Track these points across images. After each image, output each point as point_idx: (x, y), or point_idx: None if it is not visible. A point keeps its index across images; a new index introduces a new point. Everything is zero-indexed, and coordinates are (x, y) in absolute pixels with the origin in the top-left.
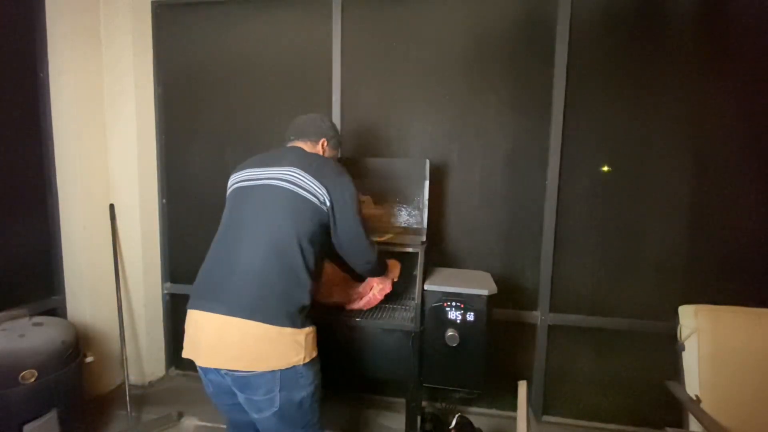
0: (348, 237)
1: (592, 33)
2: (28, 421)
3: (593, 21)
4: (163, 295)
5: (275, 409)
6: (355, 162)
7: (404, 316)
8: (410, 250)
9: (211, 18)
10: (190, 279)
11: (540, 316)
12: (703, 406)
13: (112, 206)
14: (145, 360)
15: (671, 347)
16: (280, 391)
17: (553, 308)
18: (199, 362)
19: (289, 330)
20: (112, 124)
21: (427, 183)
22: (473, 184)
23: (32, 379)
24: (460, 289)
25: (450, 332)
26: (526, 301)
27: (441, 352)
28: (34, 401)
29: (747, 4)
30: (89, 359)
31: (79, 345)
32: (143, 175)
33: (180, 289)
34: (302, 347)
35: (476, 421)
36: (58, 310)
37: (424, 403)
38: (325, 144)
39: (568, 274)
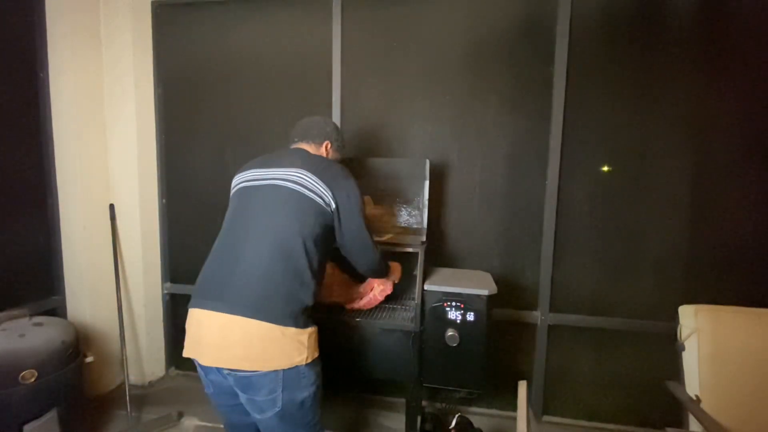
0: (352, 239)
1: (592, 33)
2: (28, 421)
3: (593, 21)
4: (163, 295)
5: (277, 410)
6: (356, 162)
7: (404, 316)
8: (410, 250)
9: (211, 18)
10: (190, 279)
11: (540, 316)
12: (703, 406)
13: (112, 206)
14: (145, 360)
15: (671, 347)
16: (282, 391)
17: (553, 308)
18: (202, 361)
19: (292, 330)
20: (112, 124)
21: (427, 183)
22: (473, 184)
23: (32, 379)
24: (460, 289)
25: (450, 332)
26: (526, 301)
27: (441, 352)
28: (34, 401)
29: (747, 3)
30: (89, 359)
31: (79, 345)
32: (143, 175)
33: (180, 289)
34: (305, 347)
35: (476, 421)
36: (58, 310)
37: (424, 403)
38: (329, 146)
39: (568, 274)
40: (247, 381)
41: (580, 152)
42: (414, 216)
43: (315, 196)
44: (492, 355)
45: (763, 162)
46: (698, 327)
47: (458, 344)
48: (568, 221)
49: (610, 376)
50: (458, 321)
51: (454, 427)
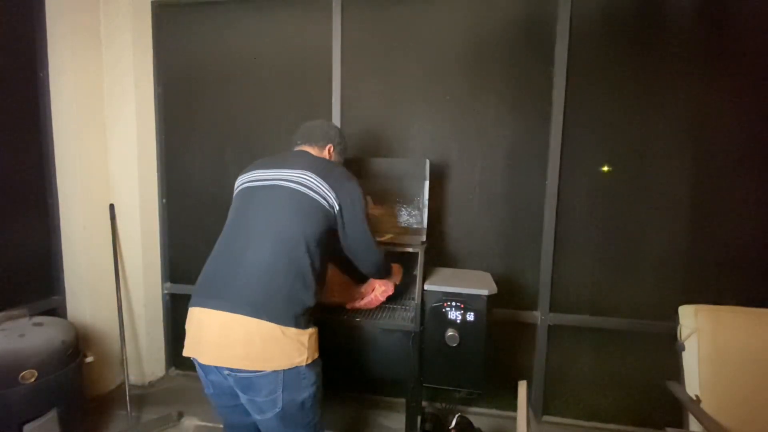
0: (356, 240)
1: (592, 33)
2: (28, 421)
3: (593, 21)
4: (163, 295)
5: (278, 410)
6: (356, 162)
7: (404, 316)
8: (410, 250)
9: (211, 18)
10: (190, 279)
11: (540, 316)
12: (703, 406)
13: (112, 206)
14: (145, 360)
15: (671, 347)
16: (282, 391)
17: (553, 308)
18: (202, 360)
19: (293, 330)
20: (112, 124)
21: (427, 183)
22: (473, 184)
23: (32, 379)
24: (460, 289)
25: (450, 332)
26: (526, 301)
27: (441, 352)
28: (34, 401)
29: (747, 3)
30: (89, 359)
31: (79, 345)
32: (143, 175)
33: (180, 289)
34: (305, 348)
35: (476, 421)
36: (58, 310)
37: (424, 403)
38: (332, 150)
39: (568, 274)
40: (248, 382)
41: (580, 152)
42: (414, 216)
43: (319, 198)
44: (492, 355)
45: (763, 162)
46: (698, 327)
47: (458, 344)
48: (568, 221)
49: (610, 376)
50: (458, 321)
51: (454, 427)
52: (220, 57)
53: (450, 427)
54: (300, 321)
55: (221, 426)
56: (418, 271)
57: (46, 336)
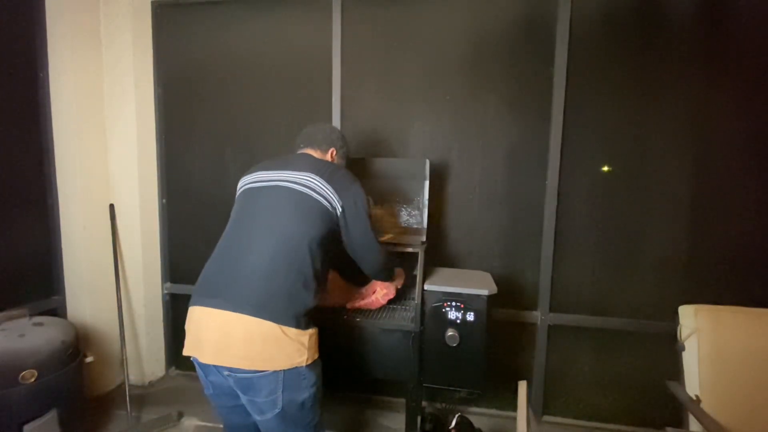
0: (359, 242)
1: (592, 33)
2: (28, 421)
3: (593, 21)
4: (163, 295)
5: (278, 411)
6: (356, 162)
7: (404, 316)
8: (410, 250)
9: (211, 18)
10: (190, 279)
11: (540, 316)
12: (703, 406)
13: (112, 206)
14: (145, 360)
15: (671, 347)
16: (282, 392)
17: (553, 308)
18: (202, 359)
19: (293, 330)
20: (112, 124)
21: (427, 183)
22: (473, 184)
23: (32, 379)
24: (460, 289)
25: (450, 332)
26: (526, 301)
27: (441, 352)
28: (34, 401)
29: (747, 3)
30: (89, 359)
31: (79, 345)
32: (143, 175)
33: (180, 289)
34: (305, 348)
35: (476, 421)
36: (58, 310)
37: (424, 403)
38: (334, 153)
39: (568, 274)
40: (248, 382)
41: (580, 152)
42: (414, 216)
43: (322, 199)
44: (492, 355)
45: (764, 162)
46: (698, 327)
47: (458, 344)
48: (568, 221)
49: (610, 376)
50: (458, 321)
51: (454, 427)
52: (220, 57)
53: (450, 427)
54: (300, 321)
55: (221, 426)
56: (418, 271)
57: (46, 336)
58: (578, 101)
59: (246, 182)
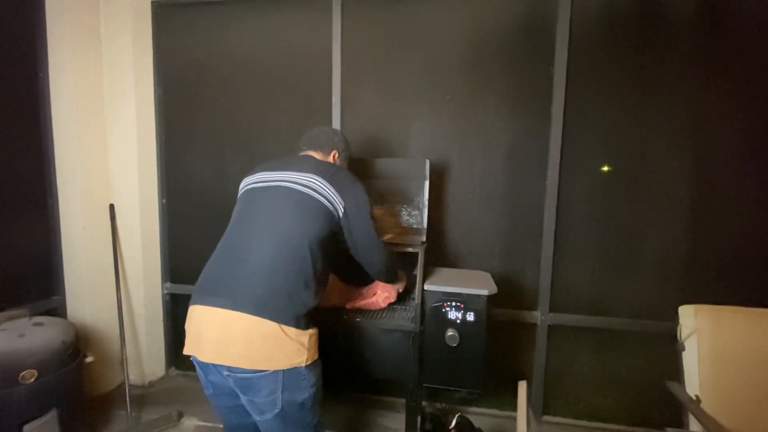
0: (363, 243)
1: (592, 33)
2: (28, 421)
3: (593, 21)
4: (163, 295)
5: (277, 411)
6: (356, 162)
7: (404, 316)
8: (410, 250)
9: (211, 18)
10: (190, 279)
11: (540, 316)
12: (703, 406)
13: (112, 206)
14: (145, 360)
15: (671, 347)
16: (282, 392)
17: (553, 308)
18: (202, 357)
19: (293, 330)
20: (112, 124)
21: (427, 183)
22: (473, 184)
23: (32, 379)
24: (460, 289)
25: (450, 332)
26: (526, 301)
27: (441, 352)
28: (34, 401)
29: (747, 3)
30: (89, 359)
31: (79, 345)
32: (143, 175)
33: (180, 289)
34: (305, 348)
35: (476, 421)
36: (58, 310)
37: (424, 403)
38: (336, 156)
39: (568, 274)
40: (248, 382)
41: (580, 152)
42: (414, 216)
43: (324, 200)
44: (492, 355)
45: (764, 162)
46: (698, 327)
47: (458, 344)
48: (568, 221)
49: (610, 376)
50: (458, 321)
51: (454, 427)
52: (220, 57)
53: (450, 427)
54: (301, 321)
55: (221, 426)
56: (418, 271)
57: (46, 336)
58: (578, 101)
59: (248, 182)
